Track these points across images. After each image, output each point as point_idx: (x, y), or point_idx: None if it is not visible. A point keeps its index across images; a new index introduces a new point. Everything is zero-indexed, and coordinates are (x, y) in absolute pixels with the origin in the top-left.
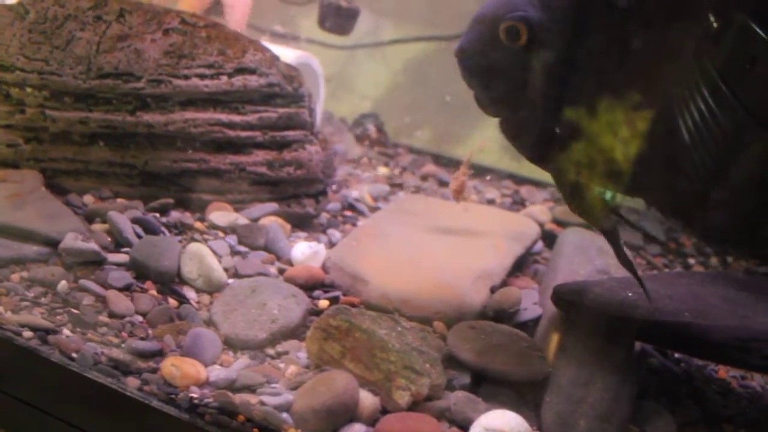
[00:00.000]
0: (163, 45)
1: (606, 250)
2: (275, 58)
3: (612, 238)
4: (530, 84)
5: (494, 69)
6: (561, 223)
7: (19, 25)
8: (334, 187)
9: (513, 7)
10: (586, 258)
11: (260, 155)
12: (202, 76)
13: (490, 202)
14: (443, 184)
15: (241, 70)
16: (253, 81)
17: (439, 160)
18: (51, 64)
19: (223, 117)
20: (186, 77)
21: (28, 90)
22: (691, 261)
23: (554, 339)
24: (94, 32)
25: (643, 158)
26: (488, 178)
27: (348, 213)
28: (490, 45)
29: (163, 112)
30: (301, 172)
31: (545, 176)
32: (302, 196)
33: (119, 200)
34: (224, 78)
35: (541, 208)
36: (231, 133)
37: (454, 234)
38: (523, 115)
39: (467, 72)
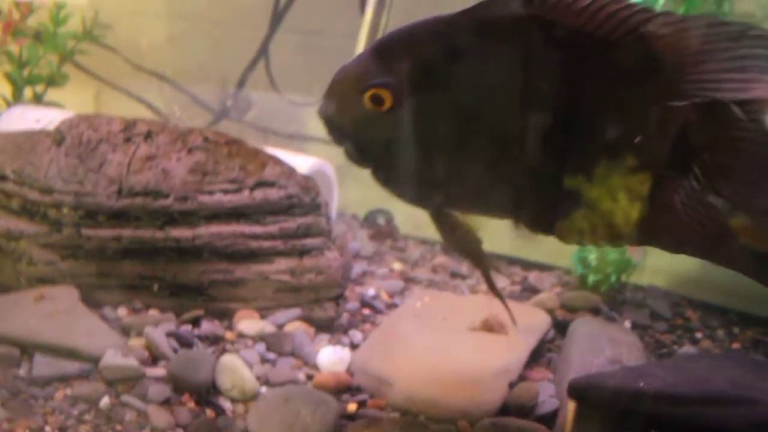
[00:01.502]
0: (188, 163)
1: (616, 339)
2: (292, 171)
3: (479, 264)
4: (396, 140)
5: (359, 129)
6: (570, 309)
7: (56, 150)
8: (351, 285)
9: (374, 74)
10: (597, 348)
11: (282, 263)
12: (225, 191)
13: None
14: (455, 275)
15: (261, 184)
16: (272, 194)
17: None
18: (85, 185)
19: (246, 229)
20: (210, 193)
21: (65, 210)
22: (698, 335)
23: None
24: (125, 154)
25: (492, 186)
26: (497, 265)
27: (366, 311)
28: (354, 109)
29: (189, 227)
30: (322, 278)
31: (552, 259)
32: (323, 300)
33: (151, 312)
34: (246, 192)
35: (550, 295)
36: (254, 243)
37: (470, 330)
38: (391, 167)
39: (334, 134)
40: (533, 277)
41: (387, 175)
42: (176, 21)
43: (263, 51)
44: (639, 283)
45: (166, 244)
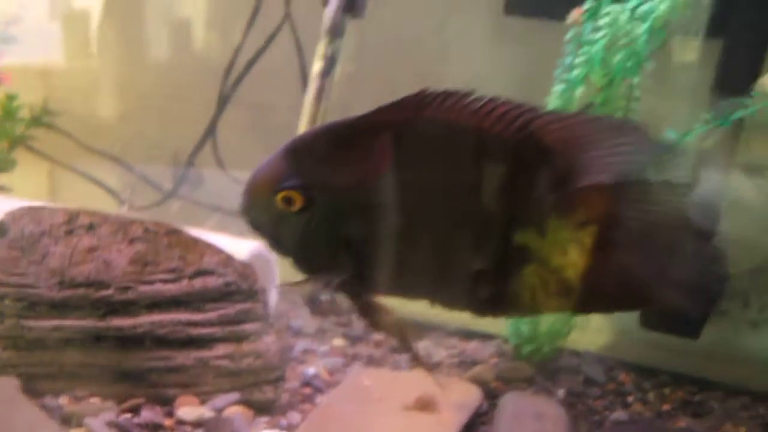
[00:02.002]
0: (129, 254)
1: (542, 414)
2: (230, 258)
3: (402, 343)
4: (309, 236)
5: (276, 227)
6: (505, 380)
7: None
8: (293, 364)
9: (285, 176)
10: (522, 425)
11: (221, 349)
12: (165, 281)
13: (438, 365)
14: (395, 350)
15: (200, 273)
16: (211, 282)
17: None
18: (27, 277)
19: (186, 316)
20: (150, 282)
21: (7, 302)
22: (630, 399)
23: None
24: (67, 246)
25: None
26: (436, 335)
27: (307, 391)
28: (269, 209)
29: (130, 316)
30: (260, 362)
31: (492, 328)
32: (262, 383)
33: (93, 400)
34: (185, 281)
35: (487, 367)
36: (193, 330)
37: (403, 409)
38: (309, 260)
39: (254, 229)
40: (472, 348)
41: (305, 266)
42: (128, 99)
43: (211, 131)
44: (575, 349)
45: (107, 333)
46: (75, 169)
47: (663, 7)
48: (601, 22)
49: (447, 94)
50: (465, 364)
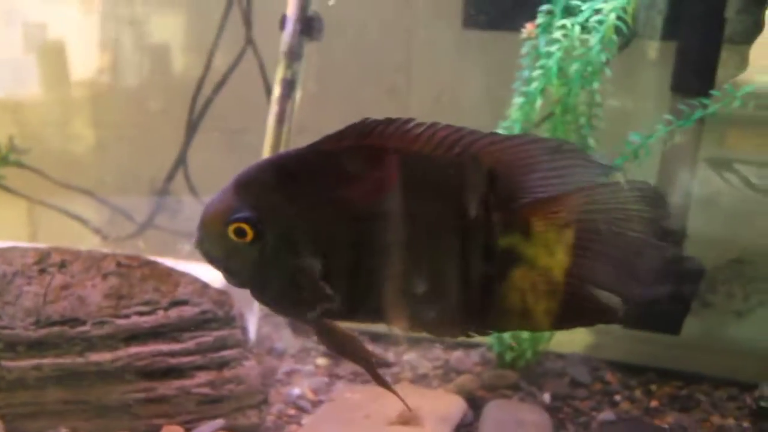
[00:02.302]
0: (103, 289)
1: (524, 421)
2: (205, 287)
3: (366, 366)
4: (262, 266)
5: (230, 258)
6: (490, 389)
7: None
8: (277, 386)
9: (235, 209)
10: None
11: (202, 377)
12: (141, 313)
13: (424, 377)
14: (378, 365)
15: (176, 303)
16: (187, 311)
17: (375, 338)
18: (3, 319)
19: (164, 347)
20: (126, 316)
21: None
22: (617, 398)
23: None
24: (40, 285)
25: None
26: (420, 347)
27: (292, 412)
28: (222, 241)
29: (109, 350)
30: (242, 387)
31: (478, 337)
32: (246, 408)
33: None
34: (161, 312)
35: (470, 377)
36: (173, 360)
37: (388, 424)
38: (264, 290)
39: (210, 261)
40: (455, 358)
41: (262, 296)
42: (100, 129)
43: (181, 160)
44: (560, 351)
45: (87, 368)
46: (51, 205)
47: (612, 17)
48: (556, 35)
49: (389, 122)
50: (450, 374)
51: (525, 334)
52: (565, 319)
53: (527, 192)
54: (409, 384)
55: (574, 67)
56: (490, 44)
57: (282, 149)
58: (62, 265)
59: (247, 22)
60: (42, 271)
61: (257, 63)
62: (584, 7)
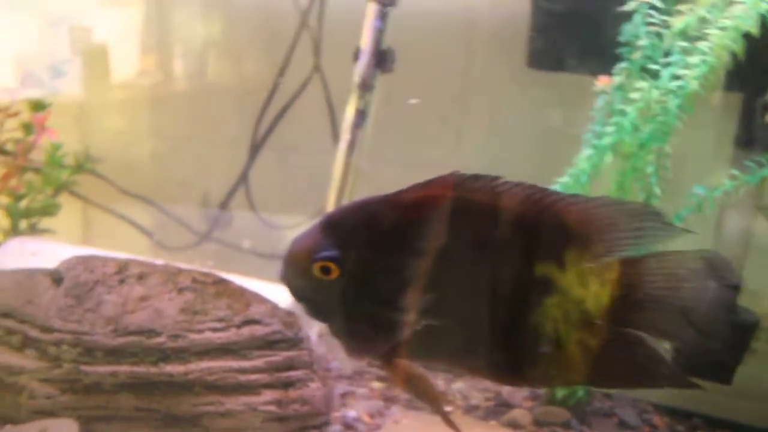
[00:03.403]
0: (179, 303)
1: None
2: (276, 308)
3: (435, 407)
4: (345, 304)
5: (313, 294)
6: (541, 425)
7: (55, 291)
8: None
9: (322, 247)
10: None
11: (269, 395)
12: (214, 329)
13: (475, 408)
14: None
15: (248, 322)
16: (258, 330)
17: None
18: (83, 324)
19: (234, 364)
20: (200, 331)
21: (64, 348)
22: None
23: None
24: (119, 295)
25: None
26: (469, 378)
27: None
28: (306, 277)
29: (182, 363)
30: (307, 408)
31: None
32: (309, 428)
33: None
34: (233, 330)
35: (522, 412)
36: (242, 377)
37: None
38: (343, 326)
39: (293, 294)
40: (506, 391)
41: (340, 333)
42: (160, 140)
43: (243, 178)
44: (607, 392)
45: (160, 378)
46: (110, 210)
47: (694, 84)
48: (634, 95)
49: (476, 177)
50: (500, 407)
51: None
52: (617, 377)
53: (603, 252)
54: (464, 415)
55: (648, 128)
56: (552, 85)
57: (351, 176)
58: (141, 277)
59: (317, 49)
60: (121, 282)
61: (322, 88)
62: (663, 72)
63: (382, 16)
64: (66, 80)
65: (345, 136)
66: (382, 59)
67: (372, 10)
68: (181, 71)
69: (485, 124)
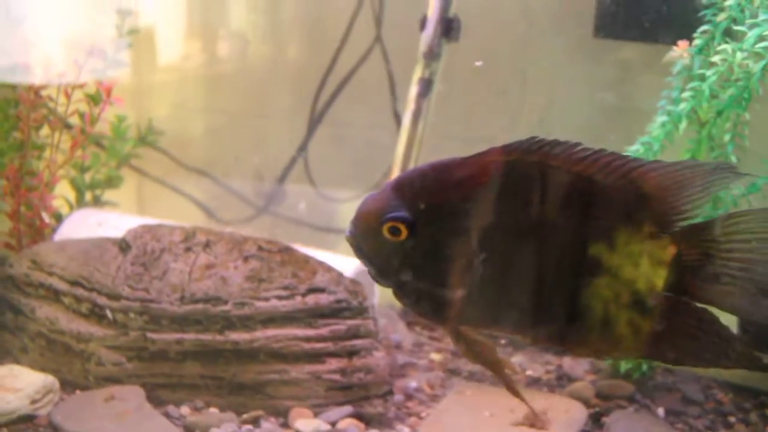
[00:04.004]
0: (244, 271)
1: None
2: (341, 276)
3: (499, 374)
4: (412, 266)
5: (381, 255)
6: (605, 398)
7: (122, 259)
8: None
9: (392, 208)
10: None
11: (333, 363)
12: (279, 297)
13: (536, 380)
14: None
15: (313, 290)
16: (323, 299)
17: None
18: (151, 292)
19: (299, 332)
20: (266, 299)
21: (131, 315)
22: (732, 419)
23: None
24: (185, 263)
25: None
26: (529, 351)
27: (410, 404)
28: (375, 238)
29: (247, 331)
30: (371, 377)
31: None
32: (372, 397)
33: (212, 410)
34: (299, 298)
35: (585, 384)
36: (307, 345)
37: (513, 426)
38: (409, 289)
39: (359, 256)
40: (567, 364)
41: (405, 296)
42: (215, 115)
43: (302, 150)
44: (670, 367)
45: (225, 346)
46: (166, 183)
47: None
48: (715, 58)
49: (556, 143)
50: (562, 380)
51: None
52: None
53: (681, 213)
54: (527, 388)
55: (729, 92)
56: (619, 54)
57: (416, 146)
58: (207, 245)
59: (378, 20)
60: (188, 250)
61: (382, 59)
62: (750, 33)
63: None
64: (125, 57)
65: (410, 106)
66: (449, 27)
67: None
68: (234, 49)
69: (545, 97)
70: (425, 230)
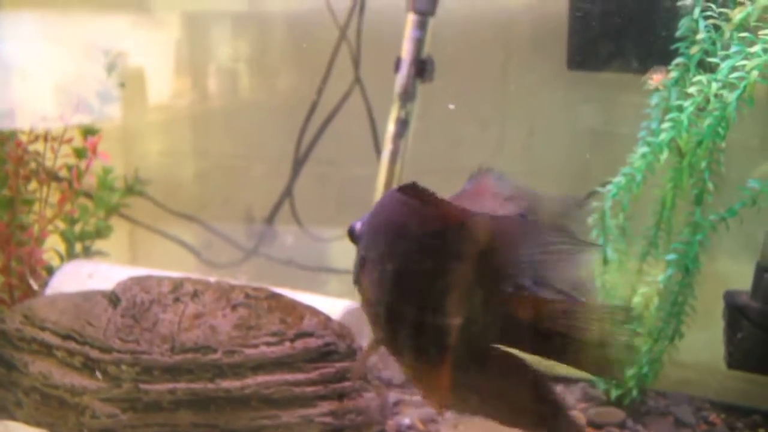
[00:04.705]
0: (232, 319)
1: None
2: (328, 320)
3: None
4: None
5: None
6: (597, 426)
7: (113, 311)
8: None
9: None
10: None
11: (324, 406)
12: (268, 344)
13: None
14: None
15: (301, 335)
16: (311, 343)
17: None
18: (141, 344)
19: (289, 377)
20: (255, 346)
21: (123, 367)
22: None
23: None
24: (175, 313)
25: None
26: None
27: None
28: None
29: (238, 378)
30: (362, 418)
31: (573, 372)
32: None
33: None
34: (287, 344)
35: (576, 413)
36: (297, 389)
37: None
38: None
39: None
40: (558, 392)
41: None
42: (202, 159)
43: (287, 193)
44: (662, 390)
45: (217, 394)
46: (156, 229)
47: (754, 75)
48: (691, 89)
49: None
50: None
51: (631, 371)
52: None
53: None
54: None
55: (706, 122)
56: (594, 86)
57: (395, 184)
58: (195, 295)
59: (356, 61)
60: (176, 300)
61: (363, 100)
62: (723, 64)
63: (422, 26)
64: (113, 105)
65: (388, 146)
66: (422, 68)
67: (411, 20)
68: (219, 90)
69: (526, 127)
70: (365, 244)
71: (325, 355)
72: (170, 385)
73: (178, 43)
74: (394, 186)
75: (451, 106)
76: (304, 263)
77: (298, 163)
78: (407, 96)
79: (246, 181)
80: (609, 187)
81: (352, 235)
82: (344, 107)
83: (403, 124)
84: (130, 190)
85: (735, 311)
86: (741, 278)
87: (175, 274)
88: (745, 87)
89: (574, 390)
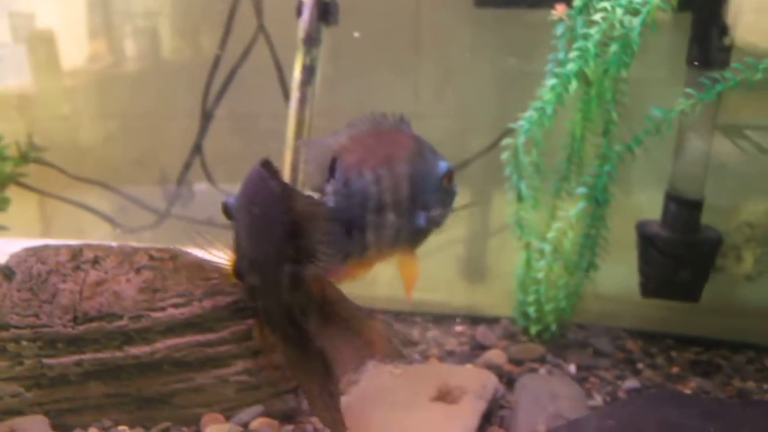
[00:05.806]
0: (137, 283)
1: (557, 393)
2: None
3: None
4: None
5: None
6: (517, 362)
7: (8, 286)
8: None
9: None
10: (540, 406)
11: (239, 365)
12: (176, 305)
13: (451, 353)
14: (405, 343)
15: (209, 294)
16: (221, 301)
17: (398, 316)
18: (41, 317)
19: (200, 338)
20: (162, 309)
21: (24, 343)
22: (640, 366)
23: None
24: (75, 282)
25: None
26: (444, 325)
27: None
28: None
29: (147, 343)
30: (278, 373)
31: (497, 311)
32: (282, 393)
33: (121, 428)
34: (196, 303)
35: (497, 352)
36: (210, 350)
37: (426, 401)
38: None
39: None
40: (480, 333)
41: None
42: (110, 121)
43: (197, 149)
44: (581, 322)
45: (126, 362)
46: (65, 198)
47: None
48: (596, 17)
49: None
50: (476, 350)
51: (548, 306)
52: None
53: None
54: (438, 361)
55: (612, 49)
56: (501, 23)
57: (305, 132)
58: (95, 261)
59: (258, 9)
60: (76, 268)
61: (268, 49)
62: None
63: None
64: (15, 69)
65: (295, 94)
66: (325, 11)
67: None
68: (123, 51)
69: (441, 69)
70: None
71: (235, 312)
72: (76, 357)
73: (88, 4)
74: (303, 136)
75: (356, 34)
76: (221, 221)
77: (206, 119)
78: (311, 41)
79: (158, 142)
80: (521, 122)
81: (227, 212)
82: (251, 58)
83: (309, 71)
84: (24, 157)
85: (646, 241)
86: (654, 209)
87: (74, 242)
88: (648, 12)
89: (496, 329)
